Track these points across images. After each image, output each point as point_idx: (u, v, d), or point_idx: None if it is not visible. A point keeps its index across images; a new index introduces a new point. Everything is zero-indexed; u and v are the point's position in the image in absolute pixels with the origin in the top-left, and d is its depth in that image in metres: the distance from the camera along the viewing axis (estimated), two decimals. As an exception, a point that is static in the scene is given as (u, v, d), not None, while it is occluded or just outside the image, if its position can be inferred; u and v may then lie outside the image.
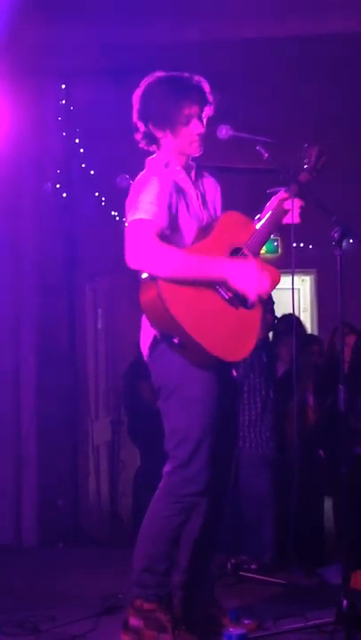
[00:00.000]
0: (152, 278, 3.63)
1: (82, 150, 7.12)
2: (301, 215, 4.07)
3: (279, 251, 9.01)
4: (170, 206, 3.72)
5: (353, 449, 5.53)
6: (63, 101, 6.98)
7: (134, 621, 3.74)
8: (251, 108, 7.17)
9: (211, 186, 4.07)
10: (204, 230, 3.84)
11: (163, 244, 3.60)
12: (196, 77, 3.92)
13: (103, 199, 7.41)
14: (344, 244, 4.07)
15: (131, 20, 6.28)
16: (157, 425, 6.94)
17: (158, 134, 3.88)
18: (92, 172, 7.24)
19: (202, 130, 3.89)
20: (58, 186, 6.98)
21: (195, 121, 3.86)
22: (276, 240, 8.96)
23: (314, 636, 3.91)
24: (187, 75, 3.91)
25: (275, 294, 6.21)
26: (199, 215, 3.88)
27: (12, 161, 6.32)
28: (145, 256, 3.58)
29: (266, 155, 4.03)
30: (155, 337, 3.75)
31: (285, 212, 4.06)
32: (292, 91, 7.59)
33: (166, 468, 3.82)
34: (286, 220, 4.08)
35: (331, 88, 7.58)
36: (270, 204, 4.09)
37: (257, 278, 3.70)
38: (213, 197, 4.05)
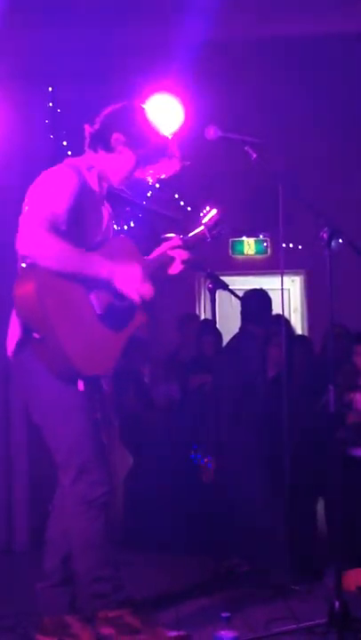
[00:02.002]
0: (31, 269, 3.63)
1: (69, 153, 7.09)
2: (184, 266, 4.14)
3: (268, 251, 9.03)
4: (73, 207, 3.74)
5: (344, 450, 5.52)
6: (50, 104, 6.95)
7: (106, 630, 3.78)
8: (243, 109, 7.17)
9: (109, 212, 4.11)
10: (97, 244, 3.89)
11: (57, 236, 3.62)
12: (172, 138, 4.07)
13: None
14: (333, 244, 4.08)
15: (117, 21, 6.26)
16: (147, 428, 6.99)
17: (118, 146, 3.92)
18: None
19: (138, 177, 4.02)
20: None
21: (146, 169, 4.00)
22: (266, 241, 8.97)
23: (306, 637, 3.90)
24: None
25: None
26: (96, 228, 3.92)
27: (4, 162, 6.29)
28: (36, 242, 3.60)
29: (254, 155, 4.04)
30: (20, 338, 3.77)
31: (172, 259, 4.13)
32: (286, 91, 7.59)
33: (66, 482, 3.85)
34: (171, 269, 4.16)
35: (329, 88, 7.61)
36: (159, 249, 4.17)
37: (140, 281, 3.79)
38: (110, 223, 4.10)
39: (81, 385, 3.75)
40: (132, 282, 3.77)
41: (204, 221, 4.18)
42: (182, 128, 6.51)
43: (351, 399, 5.71)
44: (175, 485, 6.51)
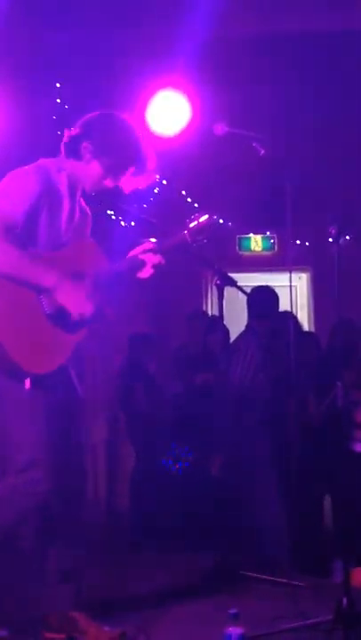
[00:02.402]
0: None
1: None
2: (154, 270, 4.11)
3: (275, 248, 9.02)
4: (31, 209, 3.74)
5: (352, 446, 5.52)
6: (58, 100, 6.95)
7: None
8: (251, 106, 7.16)
9: (85, 214, 4.12)
10: (59, 245, 3.88)
11: (5, 239, 3.63)
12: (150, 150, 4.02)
13: (98, 198, 7.39)
14: (341, 240, 4.07)
15: (123, 18, 6.26)
16: (154, 424, 7.00)
17: (86, 154, 3.94)
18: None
19: (110, 186, 3.99)
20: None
21: (116, 179, 3.97)
22: (273, 238, 8.97)
23: (312, 634, 3.90)
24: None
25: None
26: (60, 231, 3.90)
27: (7, 159, 6.29)
28: None
29: (262, 151, 4.03)
30: None
31: (142, 262, 4.10)
32: (293, 88, 7.57)
33: (11, 479, 3.84)
34: (141, 274, 4.12)
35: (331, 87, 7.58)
36: (132, 252, 4.15)
37: (82, 300, 3.78)
38: (84, 225, 4.10)
39: (27, 383, 3.74)
40: (73, 298, 3.75)
41: (190, 226, 4.16)
42: (189, 125, 6.52)
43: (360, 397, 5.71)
44: (182, 482, 6.51)
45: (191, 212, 4.15)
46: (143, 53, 6.41)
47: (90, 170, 3.96)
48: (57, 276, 3.74)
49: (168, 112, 6.52)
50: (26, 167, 3.87)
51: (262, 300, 5.95)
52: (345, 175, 8.33)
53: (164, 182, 7.51)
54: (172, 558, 5.43)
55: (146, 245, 4.13)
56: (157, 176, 4.24)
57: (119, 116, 4.03)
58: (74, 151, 3.96)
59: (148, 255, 4.10)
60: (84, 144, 3.93)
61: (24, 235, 3.71)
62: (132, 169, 3.98)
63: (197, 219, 4.13)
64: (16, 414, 3.79)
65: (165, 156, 7.09)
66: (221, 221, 8.64)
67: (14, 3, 5.78)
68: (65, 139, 4.00)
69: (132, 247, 4.17)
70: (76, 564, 3.98)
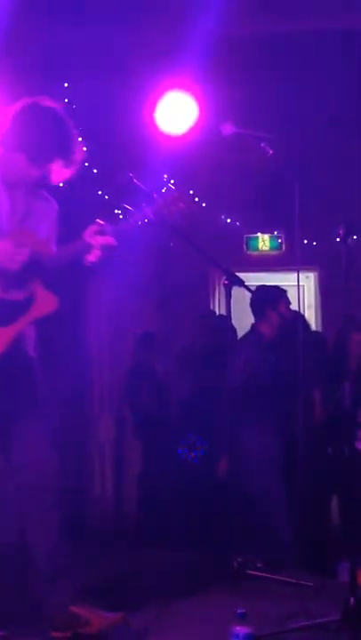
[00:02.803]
0: None
1: (85, 149, 7.09)
2: (103, 252, 4.07)
3: (283, 248, 9.01)
4: None
5: (357, 445, 5.52)
6: (66, 100, 6.95)
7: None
8: (259, 106, 7.15)
9: (44, 207, 4.14)
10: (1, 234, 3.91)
11: None
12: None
13: (106, 197, 7.40)
14: (349, 240, 4.08)
15: (132, 18, 6.27)
16: (161, 422, 7.00)
17: (8, 144, 3.98)
18: (94, 171, 7.23)
19: (36, 175, 4.00)
20: (60, 184, 6.95)
21: (46, 167, 4.00)
22: (280, 237, 8.96)
23: (320, 634, 3.90)
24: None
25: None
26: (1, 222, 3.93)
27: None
28: None
29: (270, 151, 4.03)
30: None
31: (89, 245, 4.05)
32: (301, 88, 7.57)
33: None
34: (90, 257, 4.08)
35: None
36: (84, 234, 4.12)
37: (14, 249, 3.82)
38: (43, 217, 4.11)
39: None
40: (3, 251, 3.80)
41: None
42: (197, 124, 6.52)
43: None
44: (189, 481, 6.52)
45: (198, 211, 4.15)
46: (151, 53, 6.42)
47: (13, 160, 3.96)
48: None
49: (176, 112, 6.52)
50: None
51: (257, 299, 5.94)
52: (353, 175, 8.32)
53: (172, 182, 7.51)
54: (180, 557, 5.44)
55: (93, 228, 4.07)
56: (165, 176, 4.25)
57: (44, 106, 4.02)
58: (3, 142, 3.98)
59: (96, 238, 4.04)
60: (8, 134, 3.96)
61: None
62: (57, 160, 3.99)
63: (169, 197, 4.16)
64: None
65: (174, 156, 7.13)
66: (229, 221, 8.64)
67: (22, 2, 5.79)
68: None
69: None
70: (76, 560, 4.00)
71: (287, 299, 6.04)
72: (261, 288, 5.87)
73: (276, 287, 6.19)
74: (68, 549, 4.01)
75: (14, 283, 3.88)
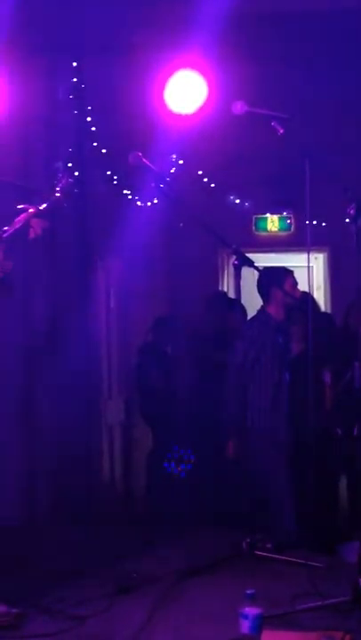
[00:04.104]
0: None
1: (93, 128, 7.07)
2: (41, 232, 4.24)
3: (292, 228, 8.97)
4: None
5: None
6: (75, 79, 6.92)
7: None
8: (269, 85, 7.10)
9: None
10: None
11: None
12: None
13: (115, 177, 7.37)
14: (359, 221, 4.06)
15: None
16: (168, 405, 7.00)
17: None
18: (103, 151, 7.20)
19: None
20: (69, 165, 6.94)
21: None
22: (290, 218, 8.92)
23: (330, 614, 3.90)
24: None
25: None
26: None
27: (23, 139, 6.28)
28: None
29: (281, 130, 4.01)
30: None
31: (29, 227, 4.26)
32: (312, 66, 7.50)
33: None
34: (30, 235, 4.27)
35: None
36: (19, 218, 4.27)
37: None
38: None
39: None
40: None
41: (58, 187, 4.26)
42: (207, 103, 6.48)
43: None
44: (198, 462, 6.51)
45: (208, 191, 4.14)
46: (161, 31, 6.37)
47: None
48: None
49: (186, 91, 6.47)
50: None
51: (260, 280, 5.94)
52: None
53: (181, 162, 7.48)
54: (188, 538, 5.44)
55: (28, 212, 4.24)
56: (174, 156, 4.25)
57: None
58: None
59: (33, 221, 4.24)
60: None
61: None
62: None
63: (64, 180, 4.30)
64: None
65: (183, 136, 7.09)
66: (238, 201, 8.60)
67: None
68: None
69: None
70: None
71: (293, 278, 6.01)
72: (266, 269, 5.84)
73: (282, 267, 6.17)
74: None
75: None
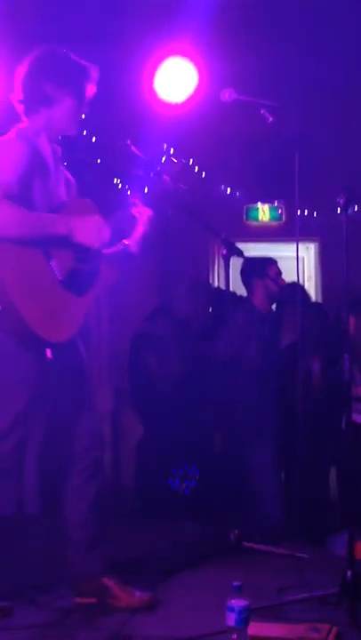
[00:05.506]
0: None
1: (83, 116, 7.01)
2: (149, 224, 4.15)
3: (283, 218, 8.95)
4: (25, 175, 3.70)
5: (356, 417, 5.49)
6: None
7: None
8: (259, 72, 7.06)
9: (68, 179, 4.11)
10: (54, 208, 3.85)
11: (9, 202, 3.58)
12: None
13: (105, 166, 7.33)
14: (349, 211, 4.03)
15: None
16: (159, 394, 6.97)
17: (56, 94, 3.89)
18: (93, 139, 7.16)
19: (83, 115, 4.01)
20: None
21: (85, 101, 3.98)
22: (280, 208, 8.89)
23: (318, 607, 3.89)
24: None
25: (279, 263, 6.18)
26: (52, 194, 3.88)
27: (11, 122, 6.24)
28: None
29: (270, 118, 3.98)
30: None
31: (134, 217, 4.14)
32: (303, 53, 7.46)
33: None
34: (137, 229, 4.16)
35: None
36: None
37: (98, 228, 3.79)
38: (70, 188, 4.09)
39: (49, 353, 3.76)
40: (90, 231, 3.77)
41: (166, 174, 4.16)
42: (197, 92, 6.44)
43: None
44: (187, 453, 6.50)
45: (198, 181, 4.11)
46: (150, 18, 6.33)
47: (66, 107, 3.92)
48: (68, 219, 3.74)
49: (175, 79, 6.44)
50: (7, 136, 3.84)
51: (243, 273, 5.93)
52: (355, 145, 8.24)
53: (172, 150, 7.43)
54: (176, 529, 5.43)
55: (130, 201, 4.12)
56: (165, 145, 4.21)
57: (49, 47, 4.00)
58: (40, 102, 3.90)
59: (138, 209, 4.12)
60: (46, 87, 3.88)
61: (20, 201, 3.66)
62: (88, 84, 3.98)
63: (172, 165, 4.15)
64: (28, 383, 3.78)
65: (173, 124, 7.05)
66: (228, 190, 8.57)
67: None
68: (20, 102, 3.95)
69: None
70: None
71: (277, 268, 5.98)
72: (248, 260, 5.81)
73: (264, 257, 6.14)
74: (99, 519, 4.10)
75: (85, 254, 3.84)
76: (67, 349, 3.86)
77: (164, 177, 4.12)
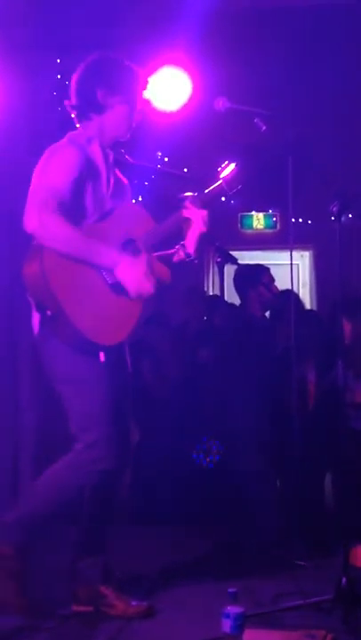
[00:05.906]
0: (37, 247, 3.64)
1: (78, 125, 7.04)
2: (206, 224, 4.09)
3: (278, 226, 8.98)
4: (77, 181, 3.73)
5: (352, 423, 5.50)
6: (59, 76, 6.89)
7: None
8: (253, 81, 7.09)
9: (123, 183, 4.10)
10: (105, 215, 3.86)
11: (61, 217, 3.60)
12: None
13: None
14: (343, 218, 4.05)
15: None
16: (156, 400, 6.98)
17: (107, 101, 3.91)
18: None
19: (139, 119, 4.00)
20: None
21: (137, 107, 3.97)
22: (275, 216, 8.93)
23: (313, 613, 3.89)
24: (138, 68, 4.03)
25: (274, 270, 6.20)
26: (104, 199, 3.89)
27: (6, 136, 6.25)
28: (41, 224, 3.58)
29: (264, 127, 4.00)
30: (39, 317, 3.80)
31: (188, 220, 4.08)
32: (297, 62, 7.50)
33: (77, 447, 3.86)
34: (191, 231, 4.10)
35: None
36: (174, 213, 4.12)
37: (142, 278, 3.75)
38: (123, 193, 4.08)
39: (102, 356, 3.76)
40: (132, 277, 3.75)
41: (222, 175, 4.13)
42: (190, 101, 6.46)
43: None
44: (183, 460, 6.50)
45: (192, 189, 4.12)
46: (144, 27, 6.35)
47: (118, 113, 3.93)
48: (115, 255, 3.73)
49: (169, 87, 6.46)
50: (60, 142, 3.86)
51: (235, 279, 5.95)
52: (348, 153, 8.27)
53: (166, 159, 7.46)
54: (172, 534, 5.43)
55: (188, 201, 4.06)
56: (159, 153, 4.23)
57: (102, 54, 4.04)
58: (93, 108, 3.92)
59: (191, 211, 4.05)
60: (99, 94, 3.90)
61: (72, 207, 3.69)
62: (140, 90, 3.99)
63: (227, 167, 4.16)
64: (80, 390, 3.80)
65: (167, 133, 7.07)
66: (223, 198, 8.58)
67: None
68: (73, 108, 3.96)
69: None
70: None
71: (269, 275, 6.00)
72: (239, 269, 5.83)
73: (256, 265, 6.16)
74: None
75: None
76: (117, 352, 3.89)
77: (221, 179, 4.13)
